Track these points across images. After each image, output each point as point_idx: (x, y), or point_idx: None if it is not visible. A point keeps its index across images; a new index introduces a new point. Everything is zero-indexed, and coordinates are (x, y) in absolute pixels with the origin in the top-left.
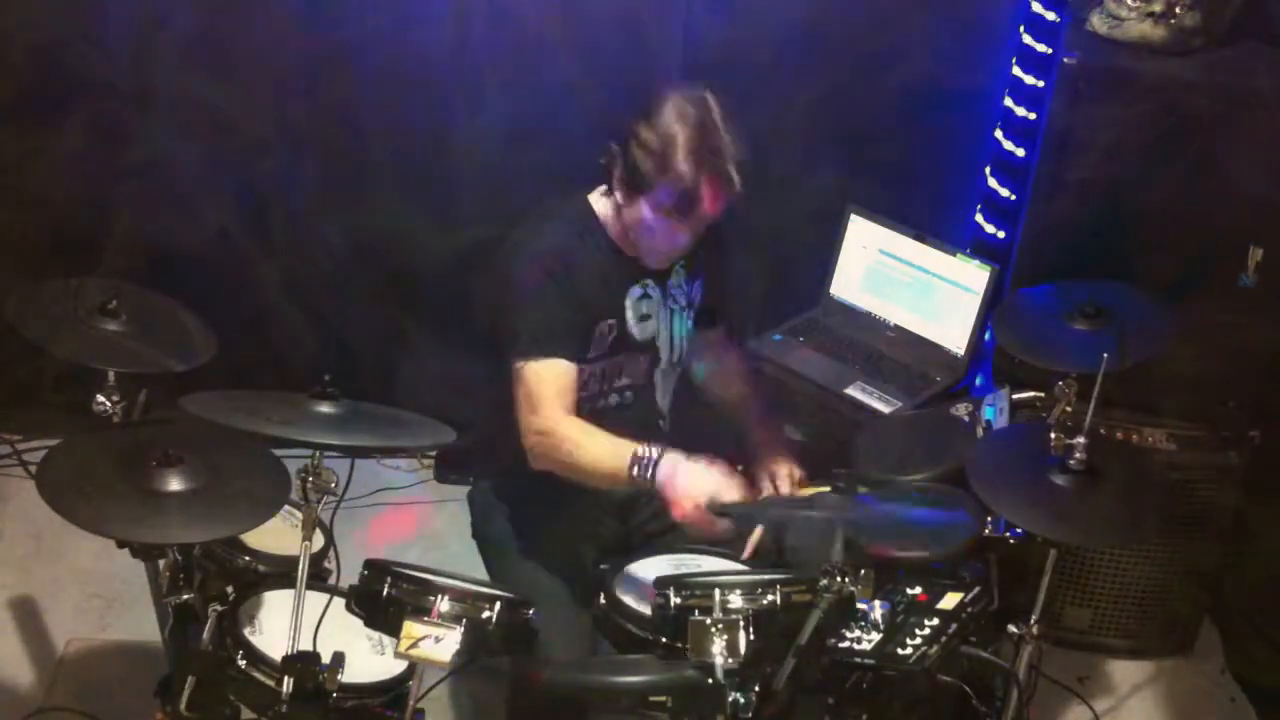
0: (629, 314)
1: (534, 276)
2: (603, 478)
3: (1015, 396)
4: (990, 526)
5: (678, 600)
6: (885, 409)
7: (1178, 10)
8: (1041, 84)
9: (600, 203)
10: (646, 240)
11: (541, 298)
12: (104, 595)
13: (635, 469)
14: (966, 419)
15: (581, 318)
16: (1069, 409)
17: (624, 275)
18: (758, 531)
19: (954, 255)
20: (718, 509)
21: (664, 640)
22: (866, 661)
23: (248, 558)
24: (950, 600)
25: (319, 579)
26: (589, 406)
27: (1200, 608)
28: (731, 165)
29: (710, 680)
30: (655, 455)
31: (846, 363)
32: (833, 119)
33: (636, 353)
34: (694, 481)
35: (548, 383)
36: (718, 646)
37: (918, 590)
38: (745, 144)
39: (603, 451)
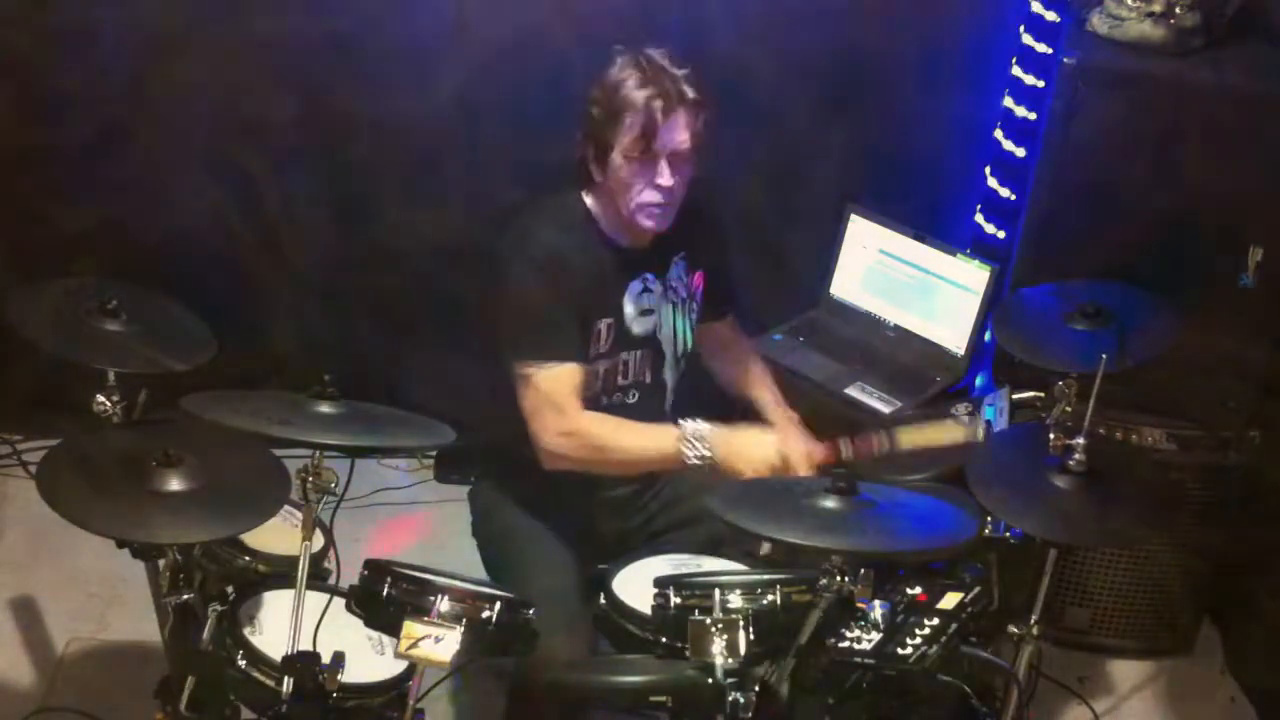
0: (627, 310)
1: (531, 280)
2: (647, 465)
3: (1015, 396)
4: (990, 526)
5: (678, 600)
6: (885, 409)
7: (1178, 10)
8: (1041, 84)
9: (590, 198)
10: (634, 198)
11: (541, 302)
12: (104, 595)
13: (688, 451)
14: (966, 419)
15: (580, 318)
16: (1069, 409)
17: (621, 271)
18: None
19: (954, 255)
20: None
21: (664, 640)
22: (866, 661)
23: (248, 558)
24: (950, 600)
25: (319, 579)
26: (593, 407)
27: (1200, 608)
28: (682, 82)
29: (710, 680)
30: (705, 432)
31: (846, 363)
32: (833, 119)
33: (638, 349)
34: (757, 447)
35: (563, 385)
36: (718, 646)
37: (918, 590)
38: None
39: (643, 439)
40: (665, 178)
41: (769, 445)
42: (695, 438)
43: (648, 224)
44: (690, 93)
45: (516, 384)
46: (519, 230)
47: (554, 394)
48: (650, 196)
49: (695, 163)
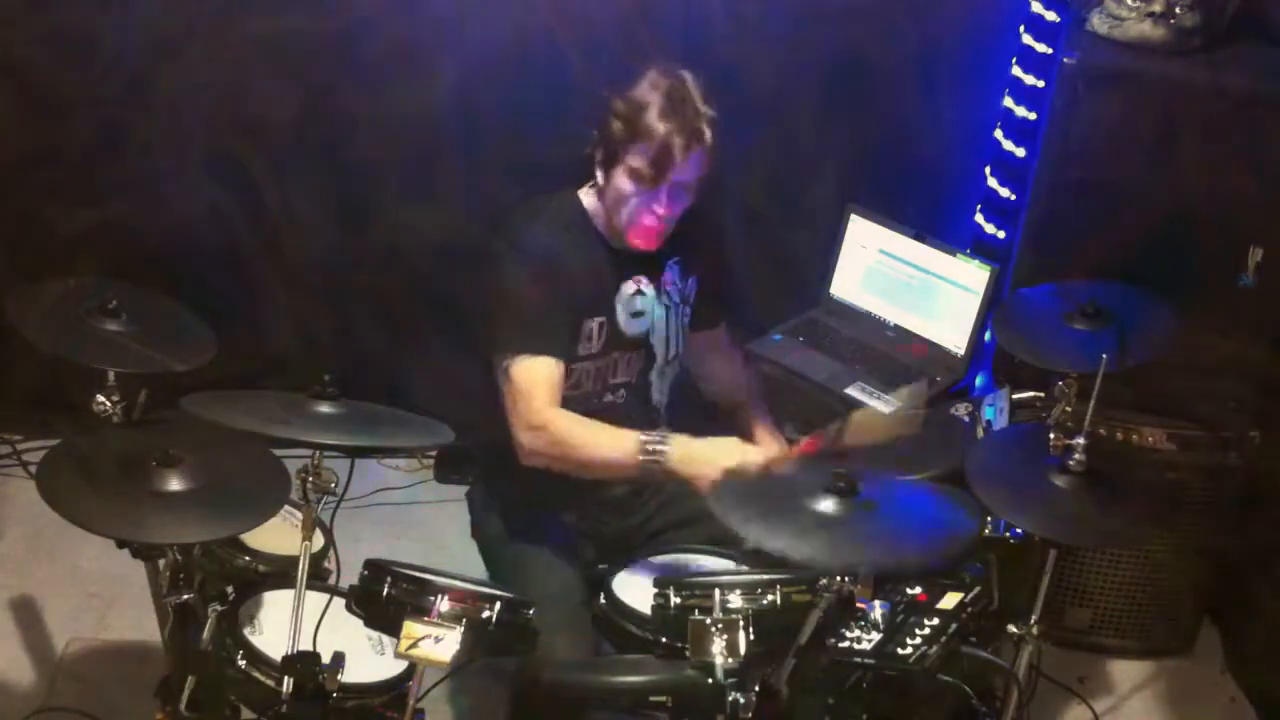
0: (619, 311)
1: (520, 275)
2: (607, 469)
3: (1015, 396)
4: (990, 526)
5: (678, 600)
6: (885, 409)
7: (1178, 10)
8: (1041, 84)
9: (589, 198)
10: (629, 216)
11: (528, 296)
12: (104, 595)
13: (644, 457)
14: (966, 419)
15: (569, 316)
16: (1069, 409)
17: (615, 271)
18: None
19: (954, 255)
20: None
21: (664, 640)
22: (866, 661)
23: (248, 558)
24: (950, 600)
25: (319, 579)
26: (584, 406)
27: (1200, 608)
28: (704, 123)
29: (710, 680)
30: (663, 442)
31: (846, 363)
32: (833, 119)
33: (629, 350)
34: (713, 453)
35: (537, 379)
36: (718, 646)
37: (918, 590)
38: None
39: (606, 442)
40: (663, 206)
41: (728, 449)
42: (653, 447)
43: (637, 242)
44: (709, 136)
45: (498, 377)
46: (513, 228)
47: (527, 386)
48: (644, 219)
49: (695, 194)
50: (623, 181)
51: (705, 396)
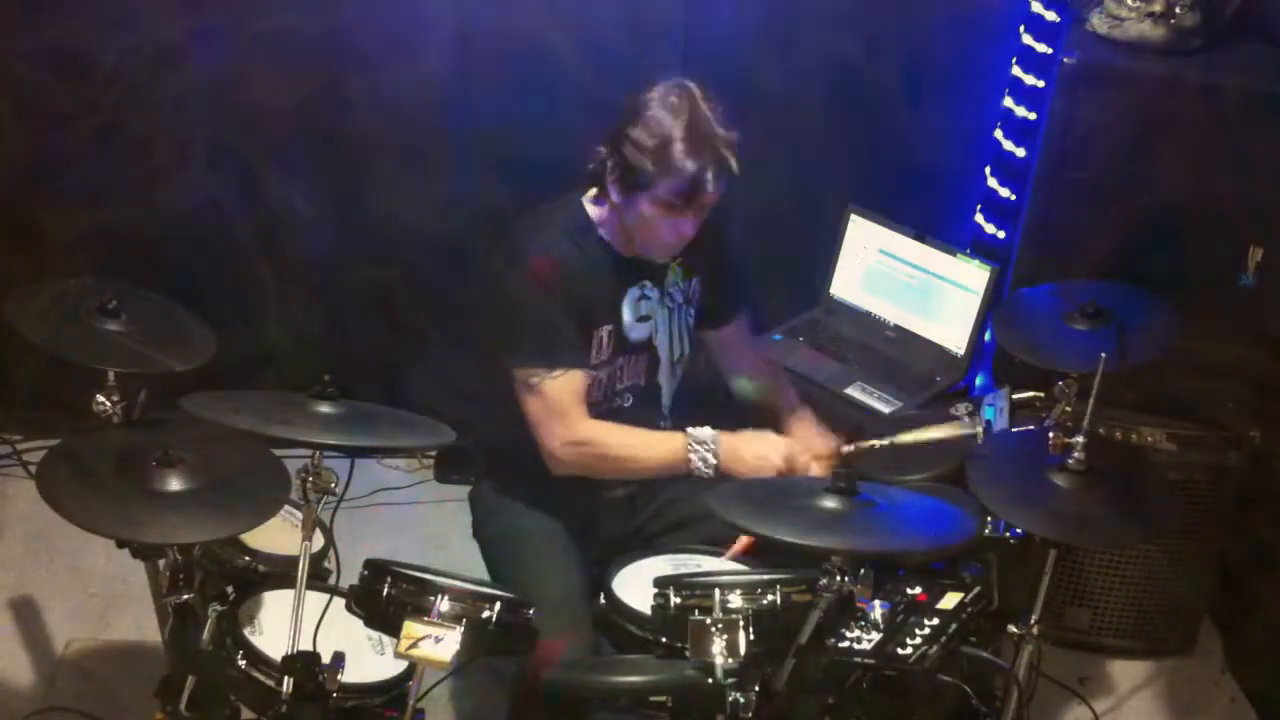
0: (625, 316)
1: (534, 288)
2: (653, 472)
3: (1015, 396)
4: (990, 526)
5: (678, 600)
6: (885, 409)
7: (1178, 10)
8: (1042, 84)
9: (594, 206)
10: (652, 236)
11: (545, 311)
12: (104, 595)
13: (694, 458)
14: (966, 419)
15: (582, 326)
16: (1069, 409)
17: (621, 279)
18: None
19: (954, 255)
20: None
21: (664, 640)
22: (866, 661)
23: (248, 558)
24: (950, 600)
25: (319, 579)
26: (594, 413)
27: (1200, 608)
28: (726, 149)
29: (710, 680)
30: (710, 439)
31: (846, 363)
32: (833, 119)
33: (634, 354)
34: (761, 451)
35: (569, 396)
36: (718, 646)
37: (918, 590)
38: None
39: (651, 447)
40: (689, 228)
41: (773, 448)
42: (701, 445)
43: (655, 257)
44: (735, 165)
45: (520, 390)
46: (520, 237)
47: (560, 402)
48: (669, 240)
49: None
50: (648, 209)
51: (737, 397)
